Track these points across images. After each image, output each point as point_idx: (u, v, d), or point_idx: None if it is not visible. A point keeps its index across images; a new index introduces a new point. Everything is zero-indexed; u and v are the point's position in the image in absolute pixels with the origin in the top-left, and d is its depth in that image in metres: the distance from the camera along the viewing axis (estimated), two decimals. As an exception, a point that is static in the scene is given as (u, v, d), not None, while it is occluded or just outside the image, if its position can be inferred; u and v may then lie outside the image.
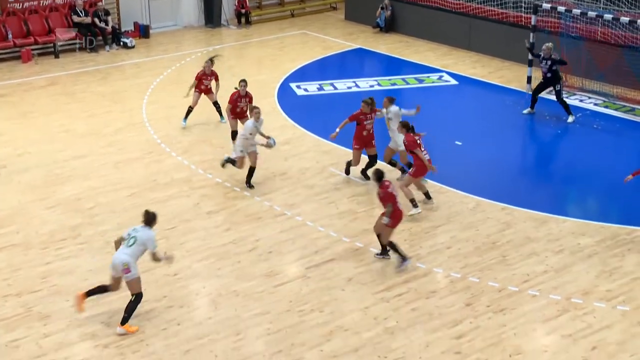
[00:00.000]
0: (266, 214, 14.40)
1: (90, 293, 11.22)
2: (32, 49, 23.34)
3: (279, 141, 16.31)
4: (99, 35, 24.17)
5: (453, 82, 21.56)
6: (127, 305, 11.00)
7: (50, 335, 11.00)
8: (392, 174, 15.46)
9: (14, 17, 23.55)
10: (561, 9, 19.89)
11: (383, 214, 12.52)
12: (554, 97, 19.01)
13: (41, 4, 23.97)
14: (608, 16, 19.46)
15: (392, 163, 15.47)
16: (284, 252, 13.17)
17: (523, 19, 22.53)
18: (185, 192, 15.20)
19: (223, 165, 15.47)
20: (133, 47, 24.57)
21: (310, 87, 21.24)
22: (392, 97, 15.42)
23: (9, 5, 23.51)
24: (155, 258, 11.06)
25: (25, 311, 11.53)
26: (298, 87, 21.26)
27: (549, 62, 18.45)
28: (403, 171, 15.29)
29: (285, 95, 20.60)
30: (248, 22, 27.39)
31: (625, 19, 19.30)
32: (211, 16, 27.08)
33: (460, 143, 17.37)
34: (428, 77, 21.90)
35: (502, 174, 16.30)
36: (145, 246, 10.93)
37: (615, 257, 12.97)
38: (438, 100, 19.98)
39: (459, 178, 15.65)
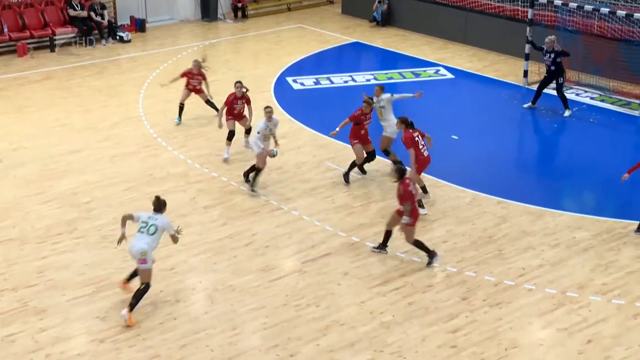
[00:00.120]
0: (262, 208, 14.39)
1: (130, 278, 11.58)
2: (28, 43, 23.29)
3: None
4: (94, 29, 24.12)
5: (449, 75, 21.56)
6: (136, 292, 11.12)
7: (47, 329, 11.00)
8: (377, 165, 15.50)
9: (10, 11, 23.47)
10: (558, 2, 19.87)
11: (399, 213, 12.36)
12: (551, 91, 19.01)
13: (37, -2, 23.96)
14: (605, 10, 19.46)
15: (387, 152, 15.50)
16: (280, 247, 13.18)
17: (520, 12, 22.53)
18: (182, 186, 15.19)
19: (247, 181, 15.02)
20: (129, 41, 24.51)
21: (307, 81, 21.22)
22: (383, 85, 15.64)
23: (4, -1, 23.50)
24: (175, 239, 11.36)
25: (21, 306, 11.53)
26: (295, 81, 21.23)
27: (553, 55, 18.43)
28: (394, 161, 15.38)
29: (281, 89, 20.58)
30: (244, 16, 27.34)
31: (621, 13, 19.29)
32: (207, 10, 27.02)
33: (456, 137, 17.37)
34: (424, 71, 21.89)
35: (499, 168, 16.31)
36: (164, 231, 11.20)
37: (611, 250, 13.00)
38: (434, 94, 19.96)
39: (455, 172, 15.66)
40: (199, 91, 17.93)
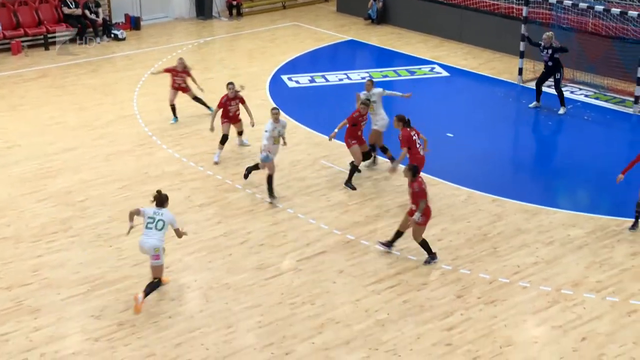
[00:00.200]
0: (257, 206, 14.39)
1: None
2: (22, 41, 23.24)
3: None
4: (89, 27, 24.08)
5: (444, 73, 21.57)
6: (150, 284, 11.31)
7: (41, 328, 10.98)
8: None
9: (4, 9, 23.44)
10: (552, 0, 19.89)
11: (411, 213, 12.27)
12: (546, 89, 19.01)
13: (31, -4, 23.91)
14: (599, 7, 19.48)
15: (384, 149, 15.51)
16: (275, 245, 13.17)
17: (514, 10, 22.56)
18: (177, 184, 15.18)
19: (247, 177, 15.05)
20: (124, 39, 24.49)
21: (302, 79, 21.21)
22: (372, 79, 15.74)
23: (-2, -3, 23.45)
24: (179, 234, 11.48)
25: (15, 305, 11.51)
26: (289, 79, 21.22)
27: (550, 51, 18.44)
28: (390, 158, 15.43)
29: (276, 88, 20.57)
30: (239, 14, 27.33)
31: (616, 10, 19.33)
32: (202, 8, 27.02)
33: (451, 135, 17.38)
34: (419, 68, 21.90)
35: (494, 165, 16.33)
36: (170, 225, 11.32)
37: (605, 248, 13.02)
38: (429, 92, 19.98)
39: (451, 170, 15.67)
40: (185, 89, 17.89)
